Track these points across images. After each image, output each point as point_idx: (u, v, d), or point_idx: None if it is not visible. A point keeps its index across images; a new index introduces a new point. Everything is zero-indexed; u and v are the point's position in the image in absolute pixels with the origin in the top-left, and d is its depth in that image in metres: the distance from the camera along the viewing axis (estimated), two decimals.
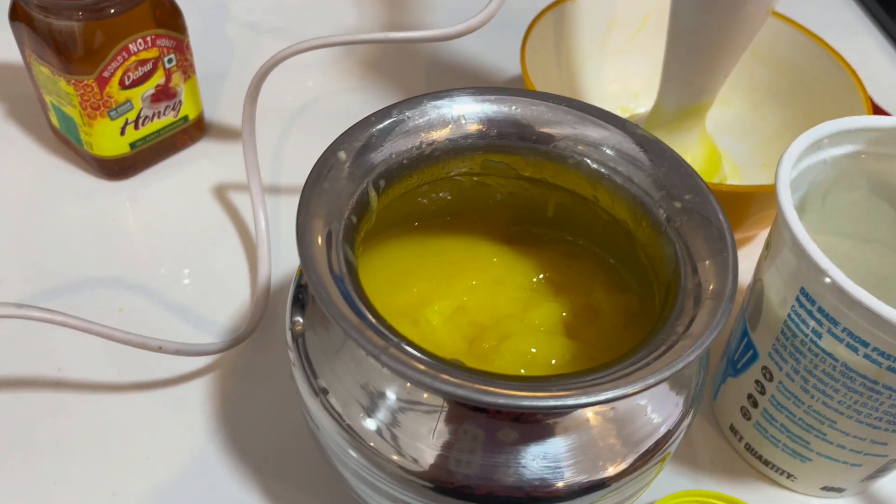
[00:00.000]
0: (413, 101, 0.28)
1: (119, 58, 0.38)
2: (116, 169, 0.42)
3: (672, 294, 0.25)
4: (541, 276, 0.32)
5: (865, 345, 0.25)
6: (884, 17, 0.58)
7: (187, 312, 0.37)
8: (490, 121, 0.29)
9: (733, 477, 0.33)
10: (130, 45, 0.38)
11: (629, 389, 0.20)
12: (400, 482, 0.24)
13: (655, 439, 0.25)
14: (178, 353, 0.32)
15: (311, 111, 0.47)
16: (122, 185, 0.42)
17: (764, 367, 0.29)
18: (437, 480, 0.23)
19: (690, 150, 0.40)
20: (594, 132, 0.28)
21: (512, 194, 0.32)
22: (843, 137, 0.29)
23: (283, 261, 0.39)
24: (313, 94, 0.48)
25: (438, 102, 0.28)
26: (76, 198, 0.41)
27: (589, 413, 0.24)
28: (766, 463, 0.31)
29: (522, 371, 0.28)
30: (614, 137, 0.28)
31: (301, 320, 0.27)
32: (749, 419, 0.31)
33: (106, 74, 0.38)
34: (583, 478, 0.24)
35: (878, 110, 0.49)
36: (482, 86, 0.29)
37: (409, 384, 0.24)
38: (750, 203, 0.35)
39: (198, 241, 0.40)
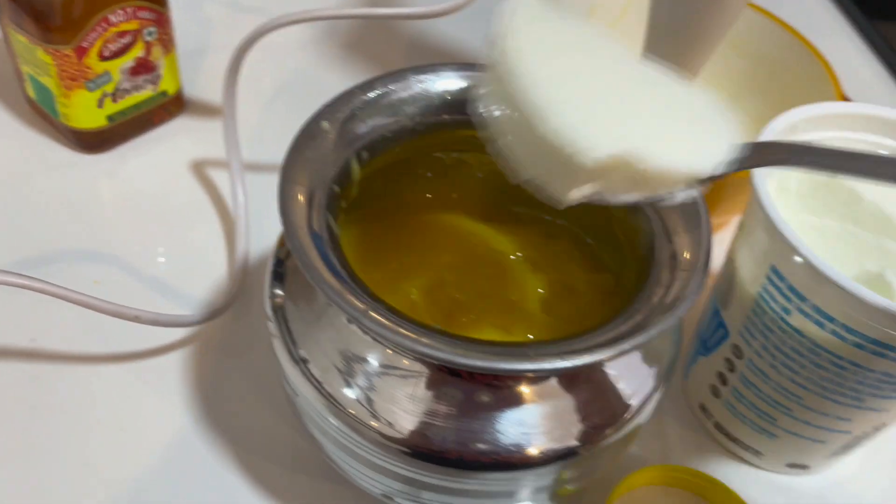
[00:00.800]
0: (397, 75, 0.28)
1: (98, 28, 0.37)
2: (93, 142, 0.41)
3: (647, 267, 0.25)
4: (519, 253, 0.32)
5: (832, 320, 0.25)
6: (855, 12, 0.59)
7: (164, 286, 0.37)
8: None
9: (702, 454, 0.33)
10: (110, 16, 0.37)
11: (604, 354, 0.21)
12: (378, 447, 0.24)
13: (627, 410, 0.26)
14: (154, 323, 0.31)
15: (290, 90, 0.47)
16: (98, 158, 0.42)
17: (734, 346, 0.29)
18: (415, 445, 0.24)
19: None
20: None
21: (493, 172, 0.32)
22: (816, 122, 0.30)
23: (260, 237, 0.38)
24: (293, 73, 0.48)
25: (422, 77, 0.28)
26: (52, 171, 0.41)
27: (564, 381, 0.25)
28: (734, 440, 0.32)
29: None
30: None
31: (280, 292, 0.27)
32: (718, 397, 0.31)
33: (85, 45, 0.37)
34: (555, 445, 0.24)
35: (845, 100, 0.50)
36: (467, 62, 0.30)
37: (388, 350, 0.24)
38: (724, 187, 0.36)
39: (175, 217, 0.40)
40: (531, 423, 0.24)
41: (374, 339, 0.24)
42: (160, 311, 0.32)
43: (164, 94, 0.42)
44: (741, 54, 0.45)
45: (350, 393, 0.24)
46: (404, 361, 0.24)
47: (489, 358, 0.21)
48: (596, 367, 0.25)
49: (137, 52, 0.39)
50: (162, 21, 0.40)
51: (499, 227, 0.33)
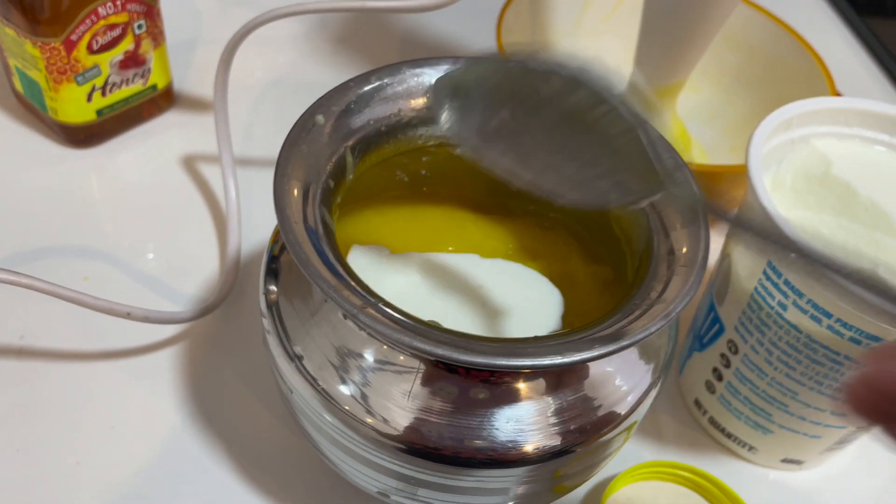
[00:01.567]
0: (392, 68, 0.28)
1: (87, 21, 0.37)
2: (82, 137, 0.41)
3: (645, 262, 0.25)
4: (516, 243, 0.32)
5: (829, 316, 0.25)
6: (846, 7, 0.59)
7: (154, 282, 0.36)
8: None
9: (697, 450, 0.33)
10: (99, 9, 0.37)
11: (602, 351, 0.21)
12: (374, 444, 0.24)
13: (624, 407, 0.26)
14: (145, 319, 0.31)
15: (282, 85, 0.47)
16: (87, 153, 0.41)
17: (730, 341, 0.29)
18: (411, 442, 0.23)
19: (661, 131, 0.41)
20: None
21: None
22: (811, 117, 0.30)
23: (252, 233, 0.38)
24: (285, 67, 0.48)
25: (418, 70, 0.28)
26: (40, 166, 0.40)
27: (562, 378, 0.24)
28: (729, 436, 0.32)
29: None
30: None
31: (275, 288, 0.27)
32: (713, 393, 0.31)
33: (73, 38, 0.37)
34: (551, 442, 0.24)
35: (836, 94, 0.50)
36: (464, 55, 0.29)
37: (384, 346, 0.24)
38: (719, 183, 0.36)
39: (166, 212, 0.39)
40: (527, 419, 0.24)
41: (370, 336, 0.24)
42: (151, 308, 0.32)
43: (153, 88, 0.42)
44: (735, 49, 0.45)
45: (345, 389, 0.24)
46: (400, 358, 0.24)
47: (487, 354, 0.21)
48: (593, 364, 0.25)
49: (127, 45, 0.39)
50: (152, 14, 0.39)
51: (495, 219, 0.33)
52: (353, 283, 0.22)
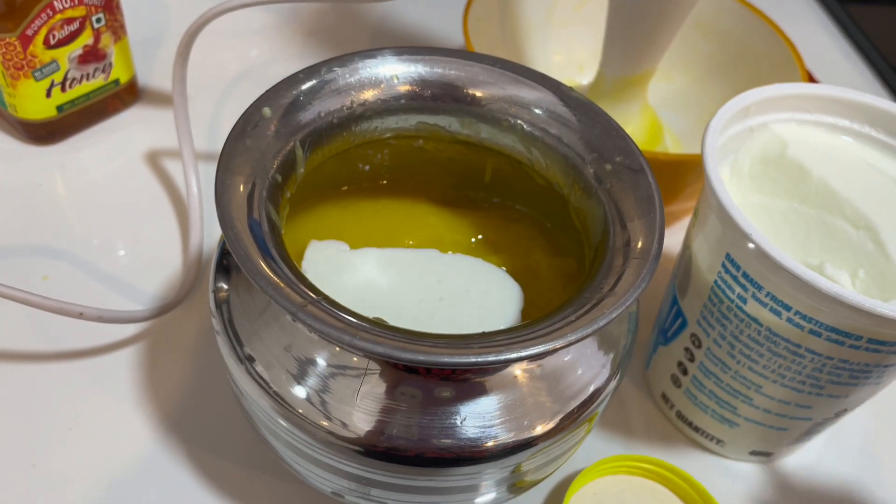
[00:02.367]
0: (344, 59, 0.27)
1: (43, 15, 0.36)
2: (43, 133, 0.40)
3: (600, 254, 0.24)
4: (479, 236, 0.32)
5: (788, 308, 0.25)
6: (830, 1, 0.58)
7: (116, 281, 0.36)
8: (423, 81, 0.28)
9: (666, 444, 0.33)
10: (55, 2, 0.36)
11: (549, 346, 0.20)
12: (329, 447, 0.24)
13: (583, 398, 0.25)
14: (100, 319, 0.30)
15: (251, 77, 0.46)
16: (49, 150, 0.40)
17: (693, 335, 0.29)
18: (367, 444, 0.23)
19: (632, 121, 0.40)
20: (528, 94, 0.28)
21: (450, 159, 0.31)
22: (769, 105, 0.29)
23: (216, 229, 0.37)
24: (254, 60, 0.47)
25: (370, 61, 0.27)
26: (1, 163, 0.39)
27: (517, 371, 0.24)
28: (697, 429, 0.32)
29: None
30: (548, 99, 0.28)
31: (225, 286, 0.26)
32: (679, 387, 0.31)
33: (29, 32, 0.36)
34: (511, 436, 0.24)
35: (812, 81, 0.49)
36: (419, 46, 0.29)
37: (332, 346, 0.23)
38: (688, 172, 0.35)
39: (129, 209, 0.38)
40: (484, 415, 0.23)
41: (318, 336, 0.23)
42: (108, 308, 0.31)
43: (116, 82, 0.41)
44: (707, 37, 0.44)
45: (297, 392, 0.24)
46: (353, 358, 0.23)
47: (431, 351, 0.20)
48: (550, 357, 0.25)
49: (86, 39, 0.38)
50: (111, 7, 0.38)
51: (458, 212, 0.32)
52: (295, 281, 0.22)
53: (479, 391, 0.24)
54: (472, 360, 0.20)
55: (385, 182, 0.32)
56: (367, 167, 0.31)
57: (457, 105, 0.28)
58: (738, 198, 0.28)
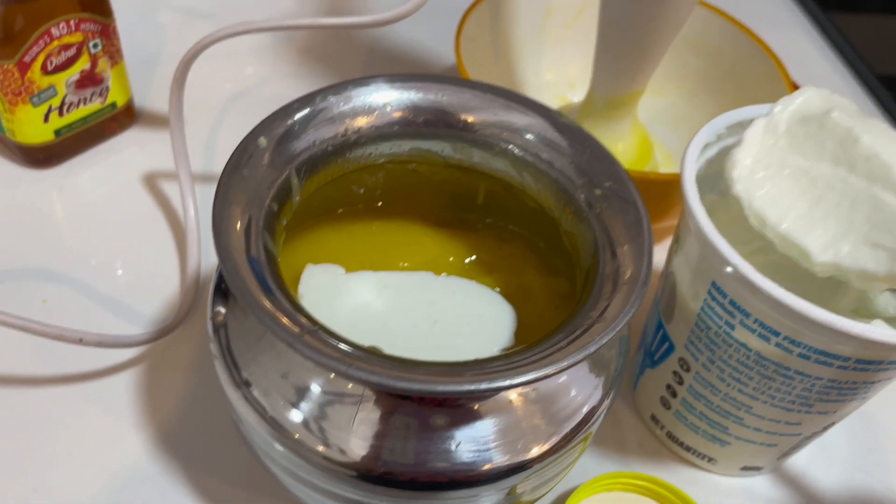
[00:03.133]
0: (337, 88, 0.28)
1: (41, 42, 0.37)
2: (41, 157, 0.40)
3: (591, 279, 0.25)
4: (473, 257, 0.32)
5: (777, 334, 0.25)
6: (811, 3, 0.59)
7: (115, 304, 0.36)
8: (416, 108, 0.29)
9: (657, 461, 0.33)
10: (53, 29, 0.37)
11: (540, 373, 0.21)
12: (326, 472, 0.24)
13: (577, 419, 0.26)
14: (99, 345, 0.31)
15: (247, 98, 0.46)
16: (47, 173, 0.41)
17: (681, 359, 0.29)
18: (364, 469, 0.23)
19: (622, 139, 0.41)
20: (519, 119, 0.28)
21: (444, 181, 0.32)
22: (743, 127, 0.30)
23: (213, 252, 0.38)
24: (251, 80, 0.48)
25: (363, 89, 0.28)
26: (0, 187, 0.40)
27: (511, 395, 0.24)
28: (688, 449, 0.32)
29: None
30: (539, 125, 0.28)
31: (223, 311, 0.27)
32: (669, 409, 0.31)
33: (27, 59, 0.37)
34: (506, 459, 0.24)
35: None
36: (411, 73, 0.29)
37: (330, 374, 0.24)
38: (676, 191, 0.36)
39: (127, 231, 0.39)
40: (478, 440, 0.24)
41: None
42: (106, 333, 0.32)
43: (113, 105, 0.41)
44: (697, 53, 0.45)
45: (295, 417, 0.24)
46: (349, 385, 0.24)
47: (425, 380, 0.20)
48: (542, 381, 0.25)
49: (83, 64, 0.39)
50: (107, 32, 0.39)
51: (453, 233, 0.33)
52: (292, 310, 0.22)
53: (474, 416, 0.24)
54: (466, 388, 0.20)
55: (380, 204, 0.33)
56: (362, 190, 0.32)
57: (449, 131, 0.29)
58: (773, 158, 0.26)
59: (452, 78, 0.29)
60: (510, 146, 0.28)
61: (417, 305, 0.29)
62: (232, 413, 0.26)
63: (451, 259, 0.32)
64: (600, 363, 0.27)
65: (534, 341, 0.23)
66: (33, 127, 0.39)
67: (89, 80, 0.39)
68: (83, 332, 0.30)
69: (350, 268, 0.30)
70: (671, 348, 0.30)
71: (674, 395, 0.31)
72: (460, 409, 0.24)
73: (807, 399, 0.27)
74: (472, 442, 0.24)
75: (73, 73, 0.38)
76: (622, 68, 0.37)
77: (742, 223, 0.32)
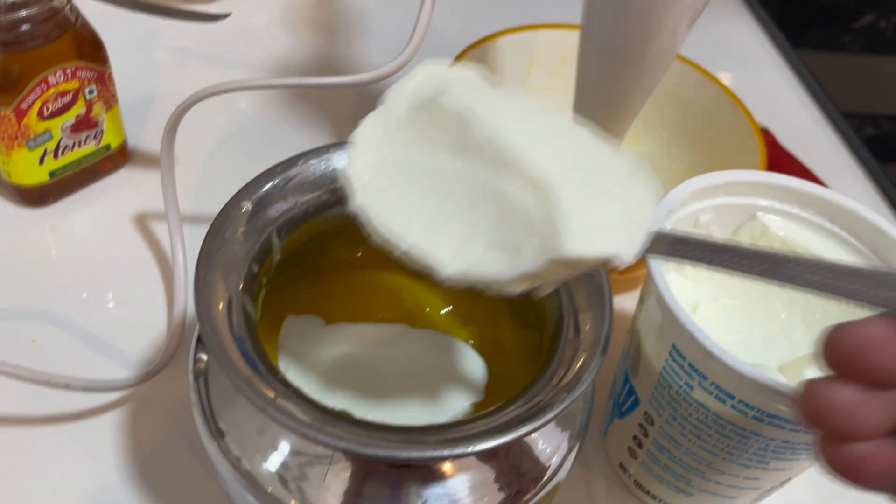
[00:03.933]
0: (319, 150, 0.29)
1: (38, 90, 0.38)
2: (35, 197, 0.42)
3: (554, 344, 0.26)
4: (449, 307, 0.33)
5: (732, 397, 0.26)
6: (784, 43, 0.61)
7: (103, 344, 0.37)
8: None
9: None
10: (50, 77, 0.38)
11: (499, 442, 0.22)
12: None
13: (546, 474, 0.27)
14: (86, 389, 0.32)
15: (237, 140, 0.48)
16: (41, 212, 0.42)
17: (645, 413, 0.31)
18: None
19: None
20: None
21: None
22: (703, 193, 0.31)
23: None
24: (242, 123, 0.49)
25: (343, 153, 0.29)
26: None
27: (481, 455, 0.26)
28: (654, 497, 0.33)
29: None
30: None
31: (204, 358, 0.28)
32: (636, 458, 0.32)
33: (24, 106, 0.38)
34: None
35: (769, 137, 0.52)
36: None
37: None
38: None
39: (117, 272, 0.40)
40: (447, 498, 0.25)
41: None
42: (93, 377, 0.33)
43: (107, 147, 0.43)
44: (675, 104, 0.46)
45: (268, 471, 0.25)
46: (318, 447, 0.25)
47: (389, 447, 0.22)
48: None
49: (78, 109, 0.40)
50: (103, 79, 0.40)
51: (428, 283, 0.34)
52: (268, 374, 0.23)
53: (442, 476, 0.25)
54: (427, 455, 0.22)
55: (359, 255, 0.34)
56: (340, 242, 0.33)
57: None
58: (392, 158, 0.23)
59: None
60: None
61: (394, 358, 0.30)
62: (208, 462, 0.27)
63: (427, 310, 0.33)
64: (566, 418, 0.28)
65: (495, 406, 0.24)
66: (29, 169, 0.40)
67: (84, 124, 0.41)
68: (70, 378, 0.32)
69: (329, 319, 0.32)
70: (637, 402, 0.31)
71: (640, 445, 0.32)
72: (428, 470, 0.25)
73: (763, 457, 0.28)
74: (438, 500, 0.25)
75: (69, 118, 0.40)
76: (598, 123, 0.38)
77: (706, 280, 0.33)
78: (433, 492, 0.25)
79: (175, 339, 0.36)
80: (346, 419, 0.23)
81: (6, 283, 0.39)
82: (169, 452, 0.34)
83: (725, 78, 0.56)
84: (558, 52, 0.47)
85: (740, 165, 0.40)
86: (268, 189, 0.28)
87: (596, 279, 0.27)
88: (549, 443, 0.27)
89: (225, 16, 0.45)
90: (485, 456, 0.26)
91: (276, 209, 0.28)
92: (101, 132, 0.42)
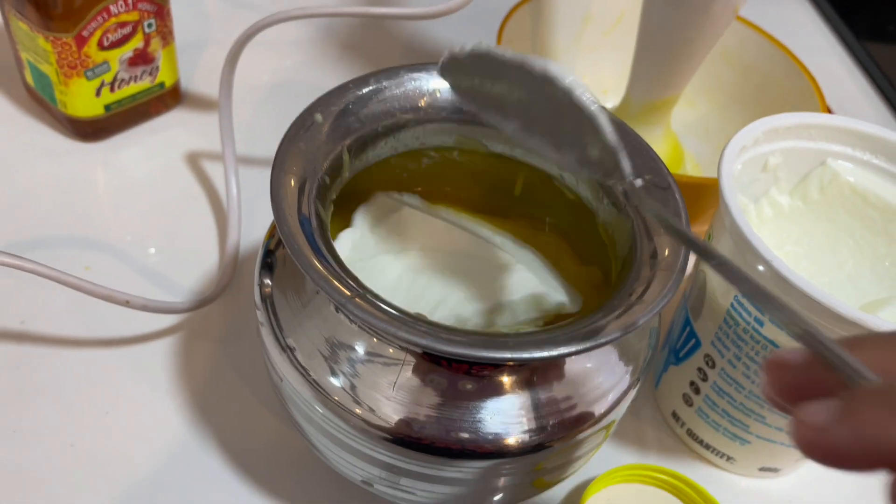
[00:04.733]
0: (391, 72, 0.29)
1: (99, 18, 0.38)
2: (89, 131, 0.42)
3: (628, 264, 0.26)
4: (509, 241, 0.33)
5: None
6: (846, 31, 0.60)
7: (154, 275, 0.37)
8: None
9: (676, 458, 0.34)
10: (111, 6, 0.38)
11: (579, 347, 0.22)
12: (361, 433, 0.25)
13: (604, 405, 0.26)
14: (144, 308, 0.32)
15: (286, 88, 0.48)
16: (94, 147, 0.42)
17: (706, 355, 0.30)
18: (397, 433, 0.24)
19: (654, 144, 0.41)
20: None
21: (484, 171, 0.33)
22: (779, 133, 0.31)
23: (251, 230, 0.39)
24: (291, 70, 0.49)
25: (415, 74, 0.29)
26: (48, 157, 0.41)
27: (544, 374, 0.25)
28: (707, 447, 0.33)
29: None
30: None
31: (269, 282, 0.27)
32: (691, 406, 0.32)
33: (85, 34, 0.38)
34: (532, 436, 0.25)
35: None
36: None
37: (373, 339, 0.25)
38: (707, 195, 0.36)
39: (168, 207, 0.40)
40: (509, 412, 0.25)
41: (360, 327, 0.25)
42: (152, 298, 0.33)
43: (161, 85, 0.43)
44: (731, 67, 0.46)
45: (335, 380, 0.25)
46: (389, 350, 0.25)
47: (469, 346, 0.21)
48: (573, 362, 0.26)
49: (136, 42, 0.40)
50: (162, 13, 0.40)
51: (488, 220, 0.34)
52: (343, 275, 0.23)
53: (506, 389, 0.25)
54: (507, 355, 0.21)
55: (419, 190, 0.34)
56: (405, 174, 0.33)
57: None
58: (365, 253, 0.29)
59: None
60: None
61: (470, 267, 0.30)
62: (274, 376, 0.27)
63: (489, 245, 0.33)
64: (629, 353, 0.27)
65: (571, 319, 0.24)
66: (85, 100, 0.40)
67: (141, 58, 0.41)
68: (130, 295, 0.32)
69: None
70: (697, 345, 0.31)
71: (697, 391, 0.32)
72: (493, 381, 0.25)
73: None
74: (503, 415, 0.25)
75: (127, 50, 0.40)
76: (660, 73, 0.38)
77: (771, 228, 0.33)
78: (497, 406, 0.25)
79: (228, 272, 0.36)
80: (422, 320, 0.22)
81: (60, 211, 0.39)
82: (219, 379, 0.33)
83: None
84: (615, 9, 0.46)
85: None
86: (342, 104, 0.27)
87: (672, 204, 0.26)
88: (611, 375, 0.27)
89: None
90: (550, 374, 0.25)
91: (349, 124, 0.28)
92: (157, 68, 0.42)
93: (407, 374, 0.24)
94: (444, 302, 0.29)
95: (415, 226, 0.31)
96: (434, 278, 0.30)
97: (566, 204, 0.31)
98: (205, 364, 0.34)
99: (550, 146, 0.24)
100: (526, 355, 0.21)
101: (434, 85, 0.29)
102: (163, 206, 0.40)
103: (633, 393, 0.28)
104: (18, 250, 0.37)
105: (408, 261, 0.30)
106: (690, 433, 0.33)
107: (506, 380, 0.25)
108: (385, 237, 0.30)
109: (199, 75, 0.47)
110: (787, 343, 0.27)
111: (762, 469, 0.33)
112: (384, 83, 0.29)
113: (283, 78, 0.48)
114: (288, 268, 0.27)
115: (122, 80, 0.41)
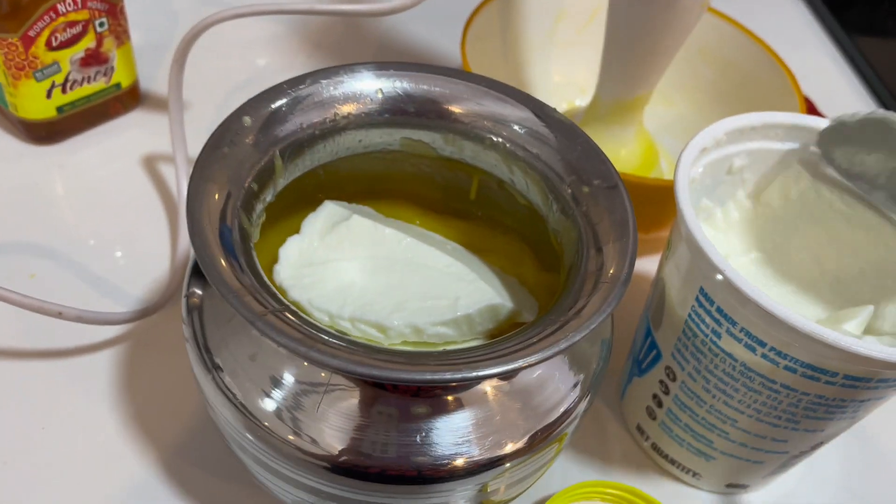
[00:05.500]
0: (329, 72, 0.28)
1: (46, 17, 0.37)
2: (43, 133, 0.40)
3: (571, 276, 0.24)
4: (468, 243, 0.31)
5: (763, 344, 0.24)
6: (834, 25, 0.58)
7: (103, 282, 0.36)
8: (409, 96, 0.28)
9: (641, 474, 0.32)
10: (59, 5, 0.37)
11: (507, 367, 0.20)
12: (292, 461, 0.23)
13: (553, 417, 0.25)
14: (80, 320, 0.31)
15: (253, 85, 0.46)
16: (49, 150, 0.41)
17: (667, 367, 0.29)
18: (333, 461, 0.23)
19: (626, 144, 0.40)
20: (510, 112, 0.28)
21: (436, 173, 0.31)
22: (741, 134, 0.29)
23: None
24: (260, 69, 0.48)
25: (355, 74, 0.28)
26: (0, 161, 0.40)
27: (486, 388, 0.24)
28: (672, 462, 0.31)
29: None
30: (529, 118, 0.28)
31: (199, 292, 0.26)
32: (654, 419, 0.30)
33: (31, 34, 0.37)
34: (476, 454, 0.23)
35: (813, 110, 0.49)
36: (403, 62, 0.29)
37: (295, 358, 0.23)
38: (669, 202, 0.35)
39: (122, 211, 0.39)
40: (454, 433, 0.23)
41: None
42: (88, 309, 0.31)
43: (117, 86, 0.41)
44: (710, 63, 0.44)
45: (264, 404, 0.23)
46: (319, 372, 0.23)
47: (386, 367, 0.20)
48: (521, 375, 0.24)
49: (88, 42, 0.39)
50: (114, 12, 0.39)
51: (445, 219, 0.32)
52: (260, 289, 0.22)
53: (445, 408, 0.23)
54: (428, 377, 0.20)
55: (371, 192, 0.32)
56: (354, 178, 0.31)
57: (440, 122, 0.28)
58: (314, 260, 0.28)
59: (446, 68, 0.29)
60: (500, 139, 0.28)
61: (419, 270, 0.29)
62: (203, 398, 0.26)
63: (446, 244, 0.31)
64: (579, 361, 0.26)
65: (504, 335, 0.22)
66: (36, 102, 0.39)
67: (94, 58, 0.39)
68: (63, 307, 0.30)
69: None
70: (658, 356, 0.29)
71: (660, 405, 0.30)
72: (430, 401, 0.23)
73: (793, 415, 0.26)
74: (442, 435, 0.23)
75: (78, 50, 0.39)
76: (628, 72, 0.37)
77: (738, 231, 0.31)
78: (435, 426, 0.23)
79: (176, 280, 0.35)
80: (339, 338, 0.21)
81: (9, 217, 0.38)
82: (161, 393, 0.32)
83: None
84: (589, 5, 0.45)
85: None
86: (273, 107, 0.26)
87: (620, 211, 0.25)
88: (561, 384, 0.25)
89: None
90: (490, 390, 0.24)
91: (282, 129, 0.26)
92: (112, 69, 0.41)
93: (334, 397, 0.23)
94: (399, 311, 0.27)
95: (366, 234, 0.30)
96: (388, 287, 0.28)
97: (520, 209, 0.30)
98: (147, 377, 0.33)
99: None
100: (446, 376, 0.20)
101: (374, 86, 0.28)
102: (116, 211, 0.39)
103: (584, 404, 0.26)
104: None
105: (361, 267, 0.29)
106: (655, 447, 0.32)
107: (443, 398, 0.23)
108: (334, 246, 0.29)
109: (162, 76, 0.45)
110: (745, 356, 0.25)
111: (729, 485, 0.31)
112: (321, 83, 0.27)
113: (252, 76, 0.47)
114: (202, 269, 0.26)
115: (75, 81, 0.39)
